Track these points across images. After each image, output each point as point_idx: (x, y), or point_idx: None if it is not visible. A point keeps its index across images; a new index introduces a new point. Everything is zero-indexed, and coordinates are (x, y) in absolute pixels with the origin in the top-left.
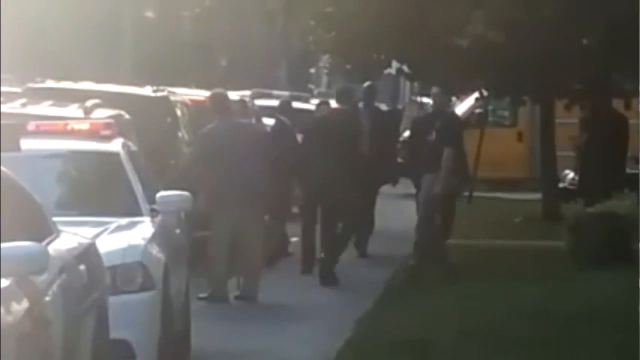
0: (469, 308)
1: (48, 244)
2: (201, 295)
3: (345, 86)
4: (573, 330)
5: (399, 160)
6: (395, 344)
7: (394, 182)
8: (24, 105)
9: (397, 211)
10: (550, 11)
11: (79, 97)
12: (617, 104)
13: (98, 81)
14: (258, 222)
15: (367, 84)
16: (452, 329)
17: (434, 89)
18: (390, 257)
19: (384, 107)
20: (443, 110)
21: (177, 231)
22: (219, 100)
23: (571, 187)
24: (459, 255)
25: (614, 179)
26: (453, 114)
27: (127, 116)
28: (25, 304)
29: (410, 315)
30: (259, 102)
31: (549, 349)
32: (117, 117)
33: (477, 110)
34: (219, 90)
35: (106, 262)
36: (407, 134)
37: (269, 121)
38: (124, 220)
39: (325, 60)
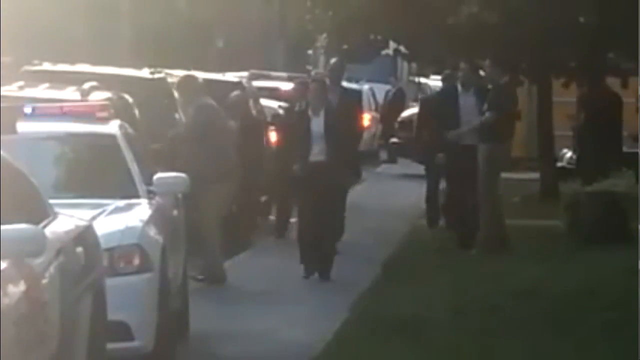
0: (466, 287)
1: (45, 226)
2: (198, 277)
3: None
4: (569, 309)
5: (396, 140)
6: (392, 324)
7: (393, 160)
8: (21, 88)
9: (395, 191)
10: None
11: (76, 79)
12: (614, 83)
13: (95, 63)
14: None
15: (333, 60)
16: (449, 308)
17: (487, 62)
18: (389, 236)
19: (387, 87)
20: (497, 82)
21: (175, 212)
22: (194, 82)
23: (569, 166)
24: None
25: (611, 158)
26: (506, 85)
27: (129, 99)
28: (22, 286)
29: (407, 295)
30: (256, 83)
31: (544, 328)
32: (117, 100)
33: None
34: (188, 73)
35: (104, 244)
36: (407, 113)
37: (267, 103)
38: (121, 202)
39: (322, 40)
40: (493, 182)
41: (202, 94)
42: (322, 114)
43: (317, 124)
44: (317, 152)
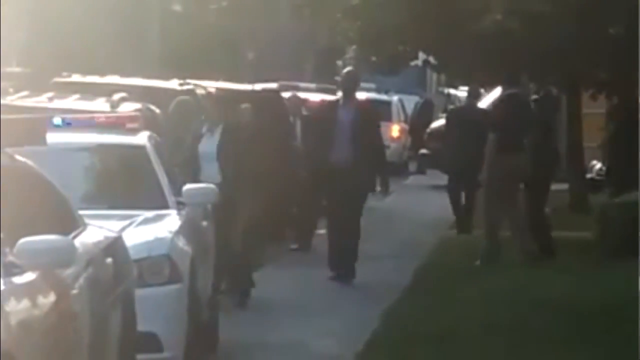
0: (495, 300)
1: (75, 237)
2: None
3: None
4: (595, 322)
5: (425, 151)
6: (422, 335)
7: (422, 172)
8: (50, 99)
9: (424, 202)
10: (574, 1)
11: (106, 91)
12: None
13: (124, 75)
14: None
15: (346, 69)
16: (478, 320)
17: (522, 76)
18: (418, 247)
19: (416, 98)
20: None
21: (204, 224)
22: (187, 104)
23: (598, 177)
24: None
25: None
26: (510, 98)
27: (156, 110)
28: (51, 297)
29: (438, 306)
30: (286, 94)
31: (570, 341)
32: (144, 111)
33: None
34: (181, 98)
35: (133, 255)
36: (436, 124)
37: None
38: (150, 213)
39: (351, 52)
40: (493, 192)
41: (199, 113)
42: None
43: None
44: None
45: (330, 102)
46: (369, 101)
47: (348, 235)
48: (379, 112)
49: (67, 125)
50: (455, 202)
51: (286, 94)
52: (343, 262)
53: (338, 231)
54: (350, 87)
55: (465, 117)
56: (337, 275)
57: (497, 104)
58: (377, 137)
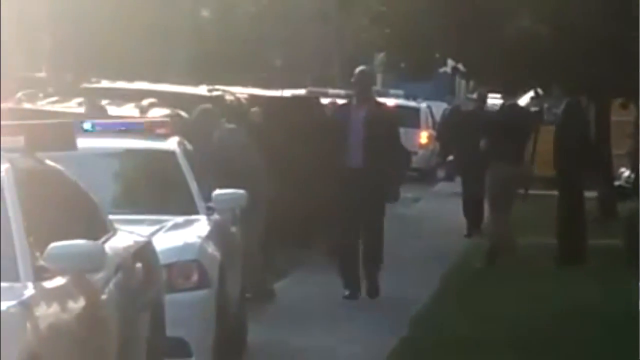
0: (523, 307)
1: (104, 242)
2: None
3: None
4: (622, 331)
5: (452, 158)
6: (450, 342)
7: (450, 178)
8: (80, 104)
9: (452, 208)
10: (599, 8)
11: (135, 96)
12: None
13: (153, 81)
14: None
15: (359, 69)
16: (506, 328)
17: (554, 86)
18: (446, 253)
19: (445, 104)
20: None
21: (233, 229)
22: (211, 113)
23: (627, 185)
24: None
25: None
26: (508, 108)
27: (185, 115)
28: (81, 302)
29: (465, 313)
30: (325, 100)
31: (598, 349)
32: (173, 117)
33: (533, 109)
34: (205, 107)
35: (162, 260)
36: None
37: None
38: (180, 219)
39: (379, 58)
40: (496, 201)
41: (221, 122)
42: None
43: None
44: None
45: (343, 105)
46: (390, 105)
47: (369, 244)
48: (398, 114)
49: (94, 130)
50: (464, 206)
51: (326, 100)
52: (365, 276)
53: (351, 240)
54: (363, 87)
55: (472, 121)
56: (353, 293)
57: (494, 112)
58: (396, 139)
